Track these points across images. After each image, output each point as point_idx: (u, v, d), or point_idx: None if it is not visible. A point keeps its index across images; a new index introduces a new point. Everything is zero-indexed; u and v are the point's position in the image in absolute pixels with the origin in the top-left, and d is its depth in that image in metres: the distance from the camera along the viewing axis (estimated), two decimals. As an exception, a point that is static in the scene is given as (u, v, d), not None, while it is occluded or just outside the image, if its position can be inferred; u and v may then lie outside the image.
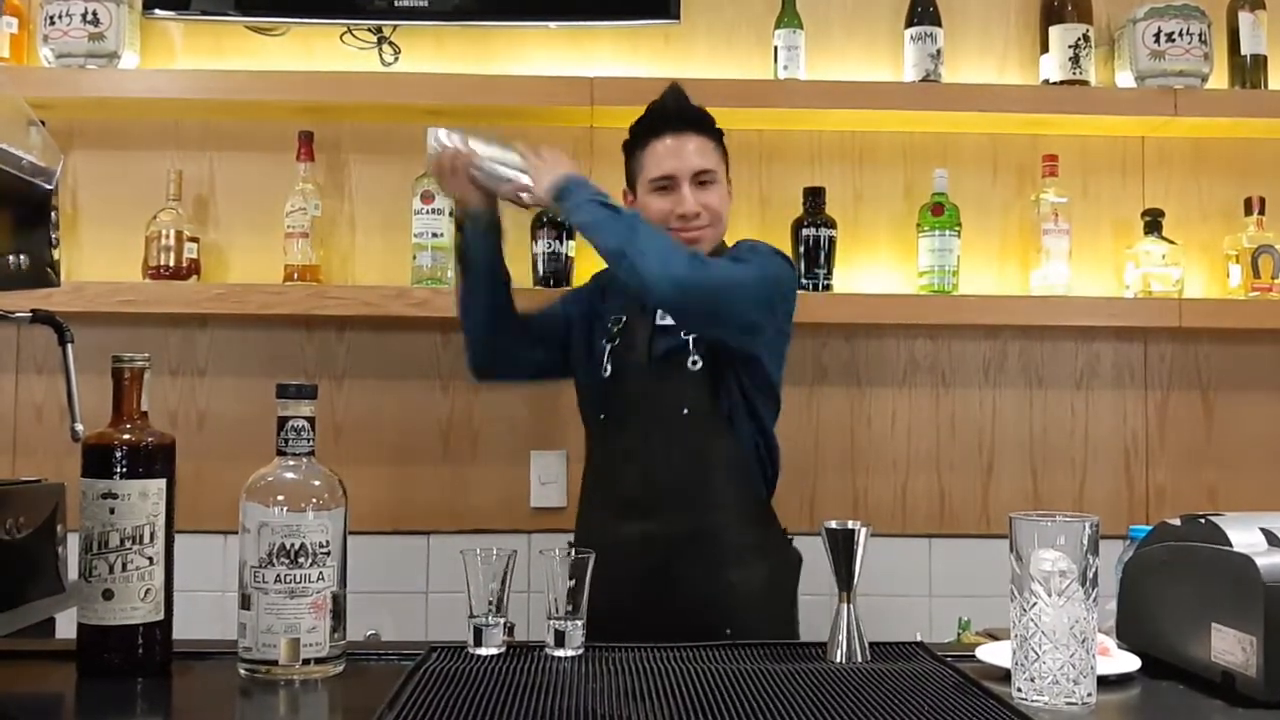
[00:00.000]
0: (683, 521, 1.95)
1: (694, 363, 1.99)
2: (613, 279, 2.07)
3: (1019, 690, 1.21)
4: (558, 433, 2.66)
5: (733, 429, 2.00)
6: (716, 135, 2.09)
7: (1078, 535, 1.19)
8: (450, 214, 2.59)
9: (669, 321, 2.00)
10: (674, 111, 2.09)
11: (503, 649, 1.40)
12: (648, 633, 1.48)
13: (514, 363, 2.15)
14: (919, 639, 1.54)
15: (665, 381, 2.00)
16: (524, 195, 1.99)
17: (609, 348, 2.07)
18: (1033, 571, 1.20)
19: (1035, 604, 1.20)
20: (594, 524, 2.05)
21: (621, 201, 2.12)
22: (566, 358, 2.15)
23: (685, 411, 1.98)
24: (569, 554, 1.41)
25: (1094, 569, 1.20)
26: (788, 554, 2.06)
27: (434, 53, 2.69)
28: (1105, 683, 1.27)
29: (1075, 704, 1.18)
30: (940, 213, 2.62)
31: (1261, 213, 2.66)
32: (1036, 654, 1.19)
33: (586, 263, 2.63)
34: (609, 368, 2.05)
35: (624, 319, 2.07)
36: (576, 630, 1.39)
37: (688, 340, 1.99)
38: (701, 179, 2.04)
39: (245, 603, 1.29)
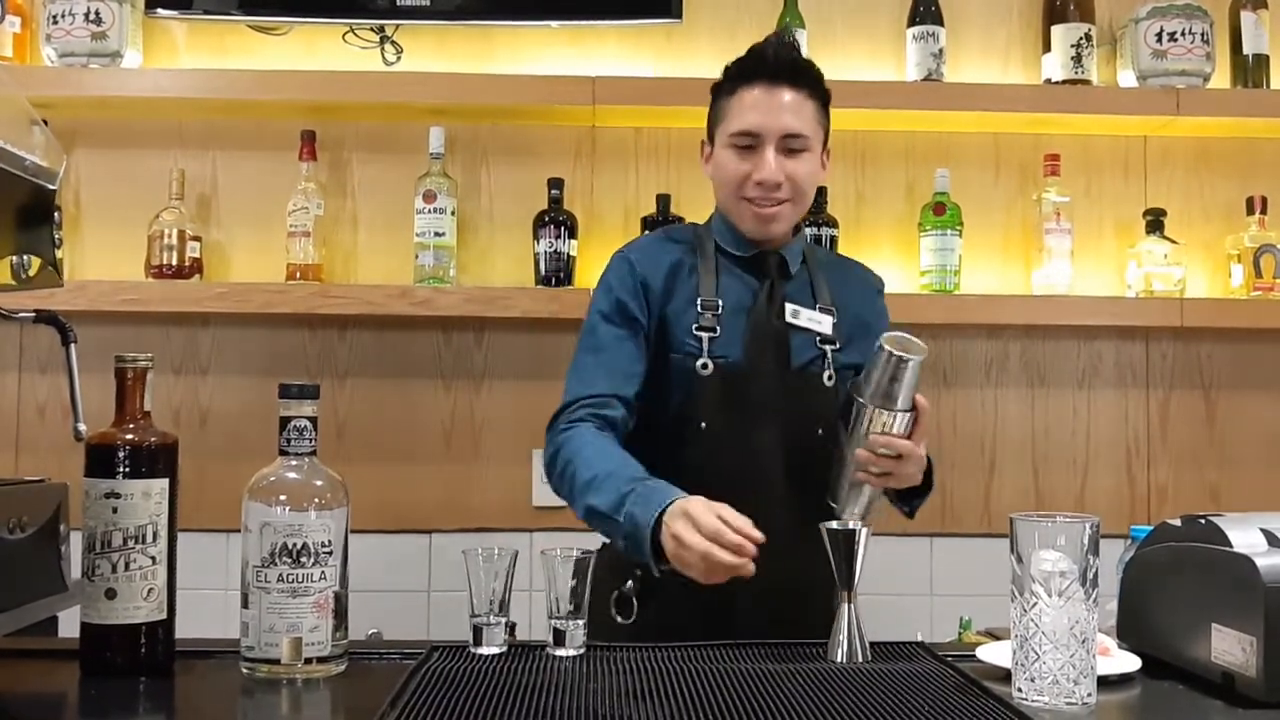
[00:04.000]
0: (793, 566, 1.62)
1: (829, 378, 1.79)
2: (705, 257, 1.81)
3: (1019, 690, 1.21)
4: (560, 432, 2.66)
5: None
6: (821, 96, 1.81)
7: (1078, 536, 1.20)
8: (452, 213, 2.59)
9: (801, 321, 1.79)
10: (774, 58, 1.79)
11: (504, 648, 1.40)
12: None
13: None
14: (920, 639, 1.54)
15: (800, 396, 1.77)
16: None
17: (707, 339, 1.76)
18: (1033, 572, 1.20)
19: (1036, 604, 1.20)
20: None
21: (700, 155, 1.89)
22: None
23: (820, 433, 1.75)
24: (570, 554, 1.41)
25: (1094, 569, 1.20)
26: None
27: (436, 52, 2.69)
28: (1105, 683, 1.27)
29: (1075, 704, 1.19)
30: (942, 212, 2.62)
31: (1264, 212, 2.66)
32: (1037, 654, 1.19)
33: (588, 260, 2.64)
34: (709, 364, 1.75)
35: (719, 304, 1.78)
36: (578, 630, 1.40)
37: (824, 351, 1.80)
38: (790, 144, 1.76)
39: (247, 602, 1.29)
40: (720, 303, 1.78)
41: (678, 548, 1.46)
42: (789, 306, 1.79)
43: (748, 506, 1.60)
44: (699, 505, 1.47)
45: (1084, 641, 1.19)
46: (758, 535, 1.44)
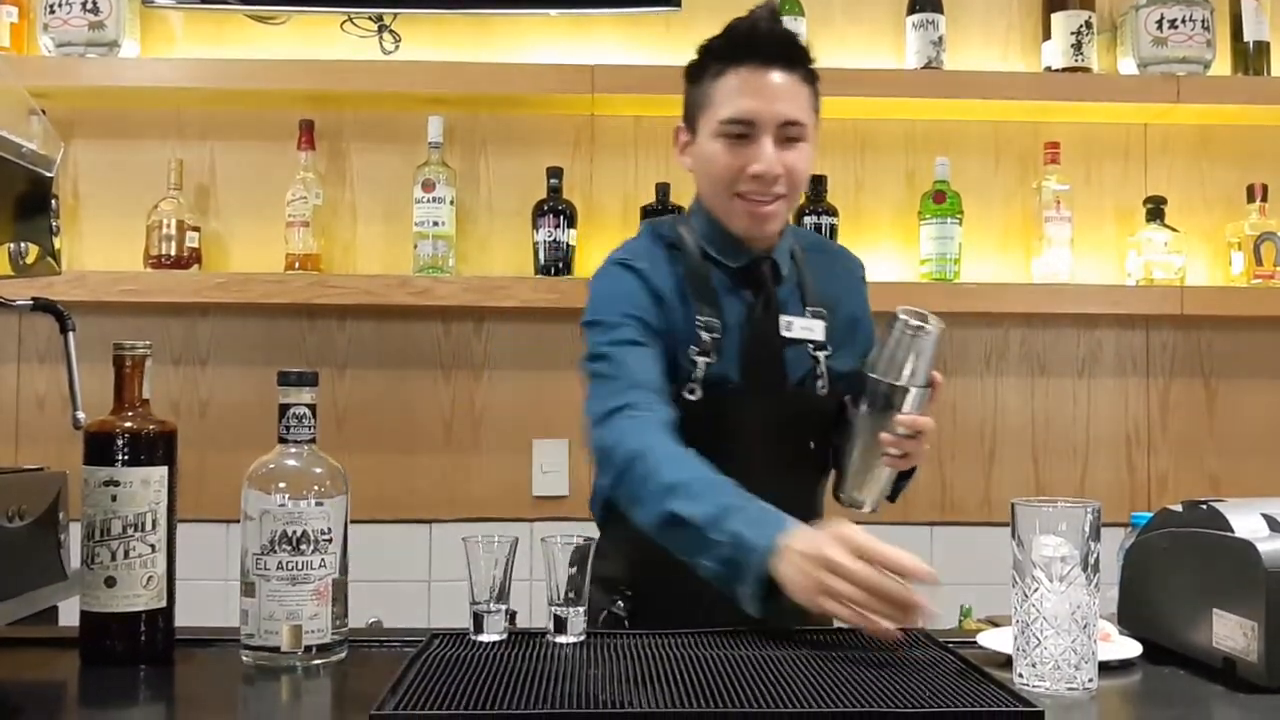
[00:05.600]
0: None
1: (822, 387, 1.67)
2: (692, 272, 1.65)
3: (1020, 676, 1.21)
4: (560, 421, 2.66)
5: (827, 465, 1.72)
6: (815, 80, 1.65)
7: (1079, 521, 1.19)
8: (451, 202, 2.58)
9: (795, 333, 1.66)
10: (767, 35, 1.62)
11: (504, 636, 1.40)
12: None
13: None
14: (921, 626, 1.54)
15: (794, 413, 1.66)
16: None
17: (703, 364, 1.61)
18: (1034, 557, 1.20)
19: (1037, 589, 1.20)
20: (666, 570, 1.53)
21: (673, 141, 1.73)
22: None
23: (812, 446, 1.67)
24: (570, 540, 1.41)
25: (1095, 554, 1.20)
26: None
27: (434, 41, 2.69)
28: (1107, 668, 1.27)
29: (1076, 689, 1.18)
30: (942, 200, 2.62)
31: (1264, 200, 2.66)
32: (1038, 639, 1.19)
33: (587, 249, 2.64)
34: (697, 390, 1.61)
35: (719, 323, 1.64)
36: (578, 617, 1.39)
37: (816, 359, 1.68)
38: (789, 132, 1.60)
39: (247, 590, 1.29)
40: (718, 320, 1.64)
41: (827, 574, 1.27)
42: (783, 319, 1.66)
43: None
44: (856, 530, 1.28)
45: (1085, 627, 1.19)
46: (925, 574, 1.26)
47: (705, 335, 1.62)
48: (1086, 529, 1.19)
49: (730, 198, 1.63)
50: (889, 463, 1.59)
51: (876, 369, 1.57)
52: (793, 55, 1.62)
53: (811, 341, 1.68)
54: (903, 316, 1.56)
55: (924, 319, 1.56)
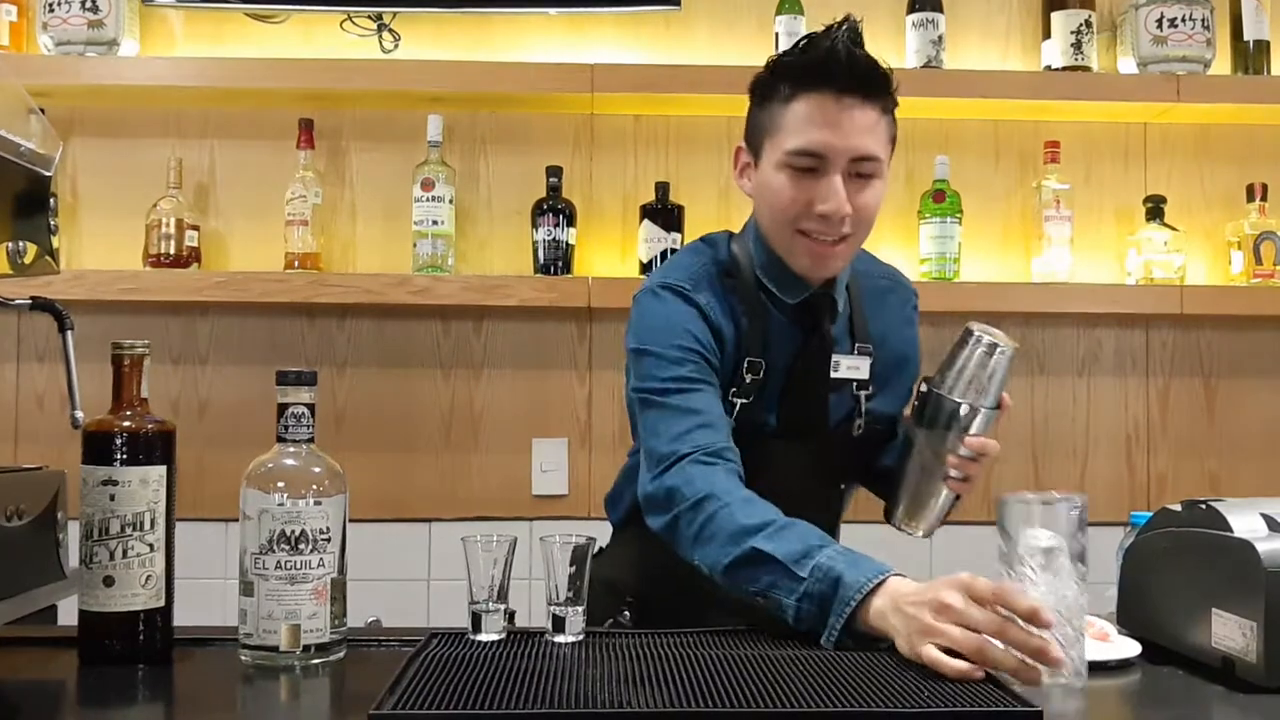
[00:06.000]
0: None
1: (858, 427, 1.64)
2: (748, 307, 1.58)
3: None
4: (559, 420, 2.66)
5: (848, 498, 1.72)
6: (891, 110, 1.53)
7: (1065, 513, 1.20)
8: (450, 201, 2.58)
9: (842, 373, 1.60)
10: (847, 62, 1.48)
11: (503, 635, 1.40)
12: None
13: None
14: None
15: (829, 455, 1.63)
16: None
17: (739, 405, 1.57)
18: (1021, 550, 1.21)
19: (1024, 582, 1.20)
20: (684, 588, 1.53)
21: (733, 164, 1.63)
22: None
23: (842, 487, 1.66)
24: (569, 540, 1.41)
25: (1082, 547, 1.20)
26: None
27: (434, 40, 2.69)
28: (1105, 668, 1.27)
29: (1064, 678, 1.19)
30: (942, 200, 2.61)
31: (1264, 199, 2.66)
32: (1025, 631, 1.19)
33: (587, 248, 2.64)
34: (732, 424, 1.54)
35: (763, 365, 1.58)
36: (577, 616, 1.39)
37: (858, 398, 1.63)
38: (861, 169, 1.50)
39: (246, 589, 1.29)
40: (764, 363, 1.57)
41: (936, 619, 1.20)
42: (831, 358, 1.59)
43: None
44: (975, 577, 1.23)
45: (1072, 619, 1.19)
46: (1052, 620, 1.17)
47: (748, 377, 1.56)
48: (1072, 521, 1.20)
49: (792, 234, 1.53)
50: (952, 486, 1.54)
51: (943, 386, 1.51)
52: (872, 84, 1.50)
53: (856, 381, 1.62)
54: (977, 333, 1.50)
55: (998, 337, 1.50)
